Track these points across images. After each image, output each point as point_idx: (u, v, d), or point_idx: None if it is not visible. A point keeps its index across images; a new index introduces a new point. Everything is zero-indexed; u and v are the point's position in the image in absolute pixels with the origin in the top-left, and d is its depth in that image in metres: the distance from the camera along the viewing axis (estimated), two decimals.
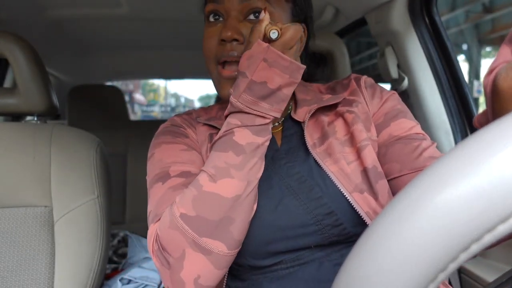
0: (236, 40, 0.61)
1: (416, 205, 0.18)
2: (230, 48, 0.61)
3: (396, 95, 0.71)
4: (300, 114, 0.68)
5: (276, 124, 0.71)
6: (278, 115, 0.56)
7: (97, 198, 0.93)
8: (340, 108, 0.67)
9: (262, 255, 0.60)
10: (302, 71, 0.56)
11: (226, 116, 0.58)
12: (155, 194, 0.61)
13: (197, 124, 0.71)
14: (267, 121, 0.56)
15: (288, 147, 0.67)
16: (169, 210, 0.56)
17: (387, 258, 0.18)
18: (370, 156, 0.62)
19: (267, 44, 0.53)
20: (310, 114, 0.66)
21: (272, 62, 0.53)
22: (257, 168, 0.56)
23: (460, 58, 5.68)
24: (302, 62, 0.77)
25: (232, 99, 0.56)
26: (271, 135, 0.58)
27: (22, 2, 1.23)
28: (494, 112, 0.33)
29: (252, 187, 0.56)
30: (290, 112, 0.71)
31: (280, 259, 0.61)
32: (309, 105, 0.68)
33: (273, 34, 0.54)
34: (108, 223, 0.96)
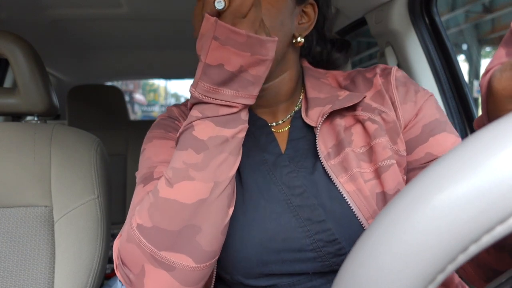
0: None
1: (415, 206, 0.18)
2: None
3: (434, 98, 0.59)
4: (313, 117, 0.57)
5: (281, 122, 0.61)
6: (250, 102, 0.47)
7: (97, 198, 0.93)
8: (360, 113, 0.56)
9: (255, 275, 0.54)
10: (270, 45, 0.45)
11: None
12: (135, 197, 0.55)
13: None
14: (235, 110, 0.46)
15: (293, 153, 0.58)
16: (128, 220, 0.49)
17: (386, 258, 0.18)
18: (393, 179, 0.51)
19: (214, 18, 0.43)
20: (323, 118, 0.56)
21: (225, 40, 0.43)
22: (227, 165, 0.47)
23: (460, 58, 5.67)
24: (313, 46, 0.66)
25: (190, 88, 0.47)
26: (246, 125, 0.48)
27: (22, 2, 1.23)
28: (489, 112, 0.34)
29: (222, 189, 0.46)
30: (300, 109, 0.61)
31: (275, 282, 0.54)
32: (323, 105, 0.57)
33: (218, 4, 0.43)
34: (108, 223, 0.95)
